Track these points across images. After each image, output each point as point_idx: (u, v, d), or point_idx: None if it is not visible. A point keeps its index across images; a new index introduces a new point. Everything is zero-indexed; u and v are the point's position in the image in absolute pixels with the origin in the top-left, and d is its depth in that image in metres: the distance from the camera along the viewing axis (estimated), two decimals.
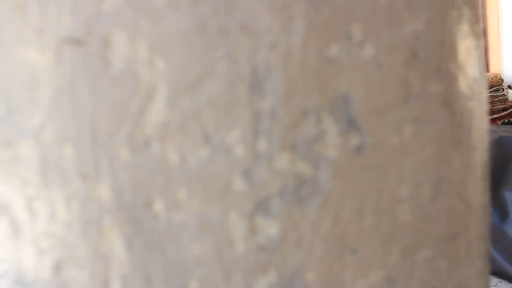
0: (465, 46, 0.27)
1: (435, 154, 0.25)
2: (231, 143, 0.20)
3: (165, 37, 0.20)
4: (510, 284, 2.21)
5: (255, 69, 0.20)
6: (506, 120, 3.20)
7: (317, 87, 0.21)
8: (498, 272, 2.31)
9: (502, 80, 3.25)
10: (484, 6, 3.42)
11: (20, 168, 0.21)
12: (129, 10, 0.19)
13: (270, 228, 0.21)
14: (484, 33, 3.45)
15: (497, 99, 3.18)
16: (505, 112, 3.18)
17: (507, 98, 3.17)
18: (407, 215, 0.24)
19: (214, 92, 0.20)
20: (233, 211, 0.21)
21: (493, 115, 3.18)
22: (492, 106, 3.18)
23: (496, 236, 2.36)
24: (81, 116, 0.20)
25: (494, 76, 3.24)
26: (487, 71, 3.46)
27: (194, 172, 0.20)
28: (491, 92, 3.18)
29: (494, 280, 2.33)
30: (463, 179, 0.27)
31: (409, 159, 0.23)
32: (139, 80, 0.20)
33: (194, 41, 0.20)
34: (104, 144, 0.20)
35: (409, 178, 0.24)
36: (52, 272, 0.22)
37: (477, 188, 0.28)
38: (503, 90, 3.19)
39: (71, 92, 0.20)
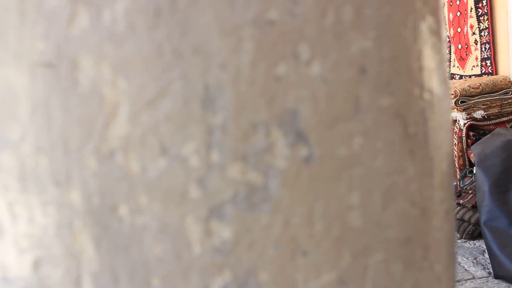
0: (420, 60, 0.28)
1: (387, 163, 0.26)
2: (187, 155, 0.22)
3: (126, 59, 0.22)
4: None
5: (207, 87, 0.22)
6: None
7: (265, 103, 0.23)
8: (505, 277, 2.26)
9: (511, 83, 3.18)
10: (493, 8, 3.35)
11: (2, 176, 0.24)
12: (94, 35, 0.22)
13: (224, 232, 0.23)
14: (493, 35, 3.37)
15: (506, 102, 3.11)
16: None
17: None
18: (358, 221, 0.25)
19: (171, 108, 0.22)
20: (190, 215, 0.23)
21: (502, 118, 3.12)
22: (501, 109, 3.11)
23: (504, 240, 2.31)
24: (54, 130, 0.23)
25: (503, 78, 3.17)
26: (496, 73, 3.39)
27: (154, 180, 0.23)
28: (500, 95, 3.11)
29: (503, 285, 2.28)
30: (418, 186, 0.28)
31: (359, 168, 0.25)
32: (103, 98, 0.22)
33: (152, 63, 0.22)
34: (74, 155, 0.23)
35: (359, 186, 0.25)
36: (32, 270, 0.24)
37: (433, 195, 0.30)
38: (511, 93, 3.13)
39: (45, 109, 0.23)
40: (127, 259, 0.23)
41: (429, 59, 0.29)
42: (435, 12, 0.30)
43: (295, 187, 0.24)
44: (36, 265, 0.24)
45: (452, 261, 0.34)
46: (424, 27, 0.29)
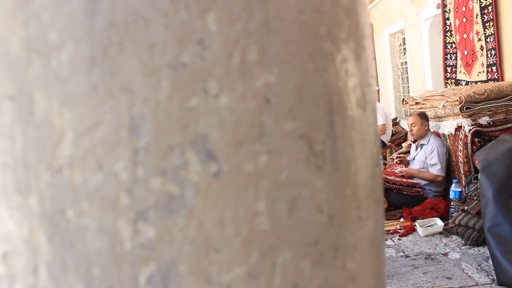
0: (329, 88, 0.33)
1: (291, 177, 0.31)
2: (118, 170, 0.28)
3: (70, 96, 0.28)
4: None
5: (132, 118, 0.28)
6: None
7: (180, 129, 0.28)
8: (509, 284, 2.24)
9: None
10: (498, 14, 3.32)
11: None
12: (45, 77, 0.28)
13: (149, 231, 0.29)
14: (498, 41, 3.35)
15: (511, 108, 3.09)
16: None
17: None
18: (265, 225, 0.31)
19: (104, 134, 0.28)
20: (121, 218, 0.29)
21: (508, 124, 3.09)
22: (507, 115, 3.09)
23: (508, 247, 2.30)
24: (16, 150, 0.29)
25: (508, 85, 3.14)
26: (502, 79, 3.36)
27: (92, 190, 0.29)
28: (505, 101, 3.09)
29: None
30: (326, 197, 0.33)
31: (265, 181, 0.30)
32: (53, 125, 0.28)
33: (89, 98, 0.28)
34: (32, 169, 0.29)
35: (265, 196, 0.31)
36: (0, 261, 0.31)
37: (344, 204, 0.34)
38: None
39: (9, 134, 0.29)
40: (74, 252, 0.29)
41: (340, 85, 0.34)
42: (352, 40, 0.35)
43: (207, 196, 0.29)
44: (4, 257, 0.30)
45: (374, 261, 0.39)
46: (337, 57, 0.34)
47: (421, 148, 3.61)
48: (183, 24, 0.28)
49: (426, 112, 3.61)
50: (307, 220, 0.32)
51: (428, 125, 3.56)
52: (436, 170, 3.47)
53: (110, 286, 0.29)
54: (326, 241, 0.34)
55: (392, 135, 4.96)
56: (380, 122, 4.53)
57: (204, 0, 0.28)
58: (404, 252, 2.97)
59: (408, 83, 5.55)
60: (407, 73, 5.51)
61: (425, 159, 3.54)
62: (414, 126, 3.54)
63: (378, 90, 6.99)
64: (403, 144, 3.78)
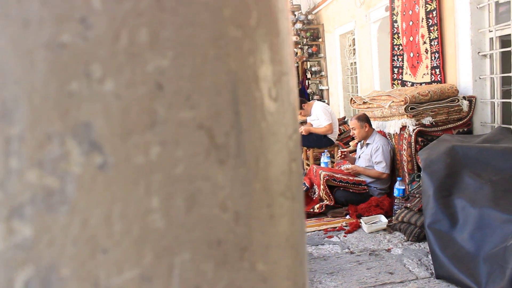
0: (232, 75, 0.31)
1: (189, 171, 0.29)
2: None
3: None
4: None
5: (4, 102, 0.25)
6: (460, 130, 3.30)
7: (59, 116, 0.26)
8: (446, 277, 2.37)
9: (458, 91, 3.35)
10: (442, 19, 3.50)
11: None
12: None
13: (25, 230, 0.26)
14: (442, 45, 3.53)
15: (452, 109, 3.28)
16: (460, 122, 3.28)
17: (462, 109, 3.28)
18: (159, 223, 0.28)
19: None
20: None
21: (449, 125, 3.28)
22: (448, 116, 3.28)
23: (446, 242, 2.43)
24: None
25: (450, 87, 3.33)
26: (444, 82, 3.55)
27: None
28: (447, 102, 3.28)
29: (443, 285, 2.39)
30: (230, 192, 0.31)
31: (157, 175, 0.28)
32: None
33: None
34: None
35: (158, 191, 0.28)
36: None
37: (252, 201, 0.33)
38: (458, 100, 3.30)
39: None
40: None
41: (247, 74, 0.32)
42: (263, 26, 0.33)
43: (91, 191, 0.27)
44: None
45: (289, 262, 0.37)
46: (244, 43, 0.32)
47: (367, 146, 3.72)
48: (62, 0, 0.25)
49: (374, 112, 3.74)
50: (209, 218, 0.30)
51: (368, 126, 3.67)
52: (381, 167, 3.60)
53: None
54: (232, 240, 0.32)
55: (340, 133, 5.09)
56: (326, 122, 4.63)
57: None
58: (349, 249, 3.05)
59: (357, 83, 5.72)
60: (356, 73, 5.68)
61: (370, 158, 3.66)
62: (354, 130, 3.66)
63: (328, 89, 7.16)
64: (351, 143, 3.88)
